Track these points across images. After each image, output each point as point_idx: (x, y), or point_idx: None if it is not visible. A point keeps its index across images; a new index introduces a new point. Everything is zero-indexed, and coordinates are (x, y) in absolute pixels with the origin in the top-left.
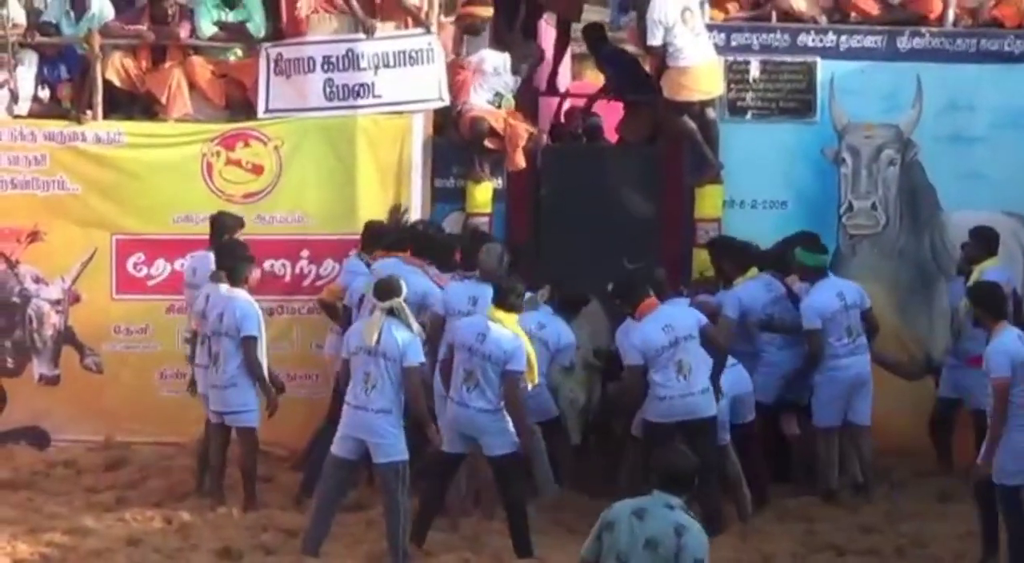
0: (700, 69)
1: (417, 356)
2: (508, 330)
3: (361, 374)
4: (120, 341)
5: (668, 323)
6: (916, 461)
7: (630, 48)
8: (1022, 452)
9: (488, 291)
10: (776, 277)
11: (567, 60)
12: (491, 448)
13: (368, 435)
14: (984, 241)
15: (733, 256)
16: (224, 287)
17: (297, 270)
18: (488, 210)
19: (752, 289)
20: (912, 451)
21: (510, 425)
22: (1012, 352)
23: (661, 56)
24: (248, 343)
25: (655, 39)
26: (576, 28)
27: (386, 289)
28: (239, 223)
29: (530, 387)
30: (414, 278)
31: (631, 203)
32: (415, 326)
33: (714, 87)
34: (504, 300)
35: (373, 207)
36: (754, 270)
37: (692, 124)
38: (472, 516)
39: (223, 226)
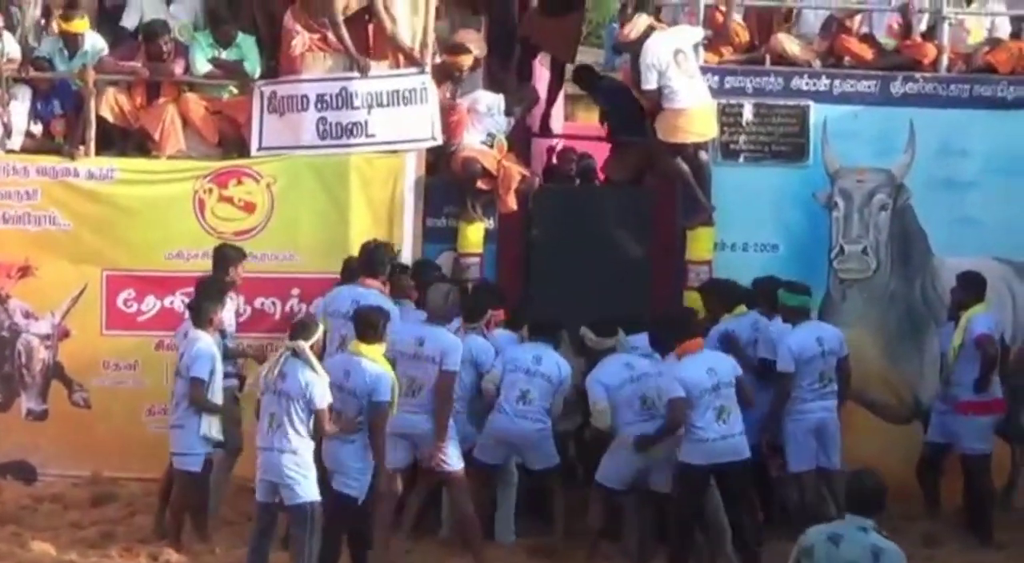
0: (695, 111)
1: (324, 398)
2: (373, 363)
3: (267, 415)
4: (109, 377)
5: (711, 366)
6: (904, 505)
7: None
8: None
9: (436, 330)
10: (764, 315)
11: (560, 101)
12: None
13: (275, 477)
14: (972, 287)
15: (720, 294)
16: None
17: (287, 308)
18: (479, 250)
19: (736, 327)
20: (900, 495)
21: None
22: None
23: (656, 99)
24: (194, 385)
25: (649, 83)
26: (569, 69)
27: (300, 329)
28: (241, 255)
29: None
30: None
31: (622, 245)
32: (318, 368)
33: (708, 130)
34: (365, 333)
35: None
36: (742, 308)
37: (685, 166)
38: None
39: (225, 258)
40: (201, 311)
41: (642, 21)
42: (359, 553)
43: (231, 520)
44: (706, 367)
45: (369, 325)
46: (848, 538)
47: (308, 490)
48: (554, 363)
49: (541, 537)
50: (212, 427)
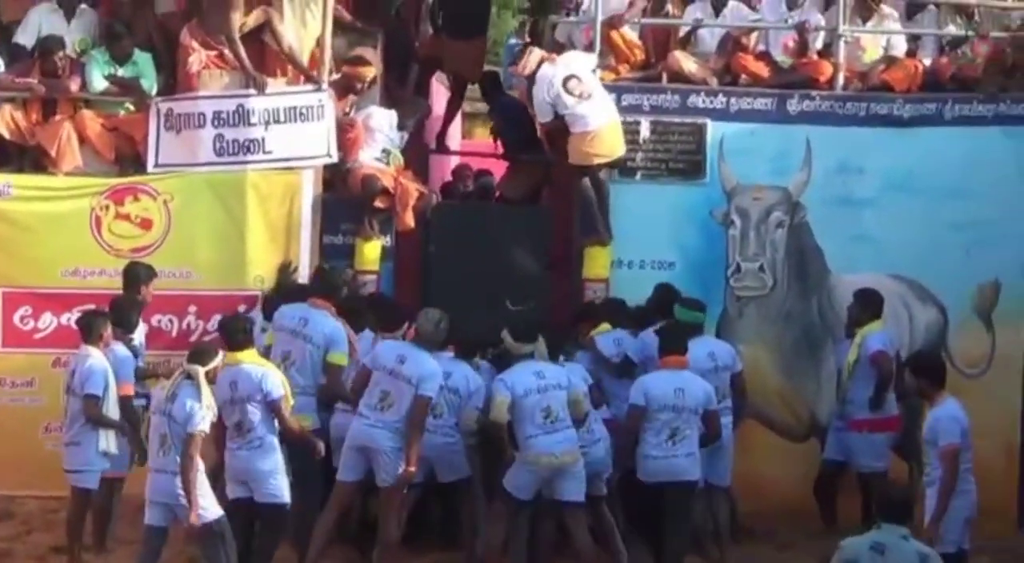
0: (601, 132)
1: (198, 425)
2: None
3: (157, 436)
4: (5, 394)
5: (681, 387)
6: (802, 522)
7: None
8: (960, 520)
9: (418, 354)
10: (632, 334)
11: (458, 119)
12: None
13: (169, 498)
14: (869, 304)
15: (590, 313)
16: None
17: (184, 325)
18: (376, 268)
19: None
20: (799, 512)
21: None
22: (961, 419)
23: (555, 128)
24: (88, 402)
25: (544, 117)
26: (471, 88)
27: (197, 354)
28: (151, 274)
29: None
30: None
31: (520, 262)
32: (205, 394)
33: (616, 149)
34: (235, 340)
35: (262, 263)
36: (605, 325)
37: (591, 191)
38: None
39: (136, 277)
40: (91, 328)
41: (534, 57)
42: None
43: (129, 540)
44: (674, 387)
45: (238, 332)
46: (892, 546)
47: (209, 508)
48: (463, 376)
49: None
50: (110, 442)
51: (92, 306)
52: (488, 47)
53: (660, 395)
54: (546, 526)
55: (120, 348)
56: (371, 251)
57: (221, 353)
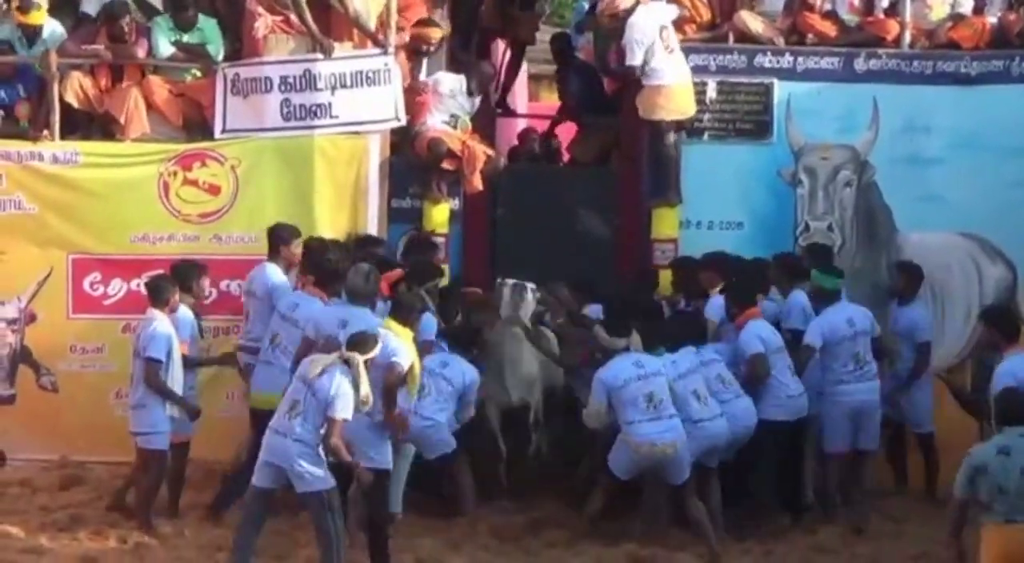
0: (675, 89)
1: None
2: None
3: (290, 400)
4: (76, 360)
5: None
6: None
7: None
8: None
9: (359, 312)
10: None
11: (523, 81)
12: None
13: (284, 462)
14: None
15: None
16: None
17: None
18: (445, 231)
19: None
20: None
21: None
22: (1020, 375)
23: (627, 77)
24: (149, 365)
25: (635, 59)
26: (537, 49)
27: (359, 342)
28: (295, 233)
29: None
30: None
31: (587, 224)
32: (363, 383)
33: (688, 107)
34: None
35: (330, 227)
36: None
37: (660, 152)
38: None
39: (277, 238)
40: (158, 292)
41: None
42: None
43: (196, 503)
44: (769, 330)
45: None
46: (1016, 447)
47: (322, 478)
48: (459, 371)
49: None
50: (175, 406)
51: (160, 271)
52: (552, 9)
53: (771, 340)
54: (657, 498)
55: (183, 311)
56: (439, 214)
57: (379, 344)
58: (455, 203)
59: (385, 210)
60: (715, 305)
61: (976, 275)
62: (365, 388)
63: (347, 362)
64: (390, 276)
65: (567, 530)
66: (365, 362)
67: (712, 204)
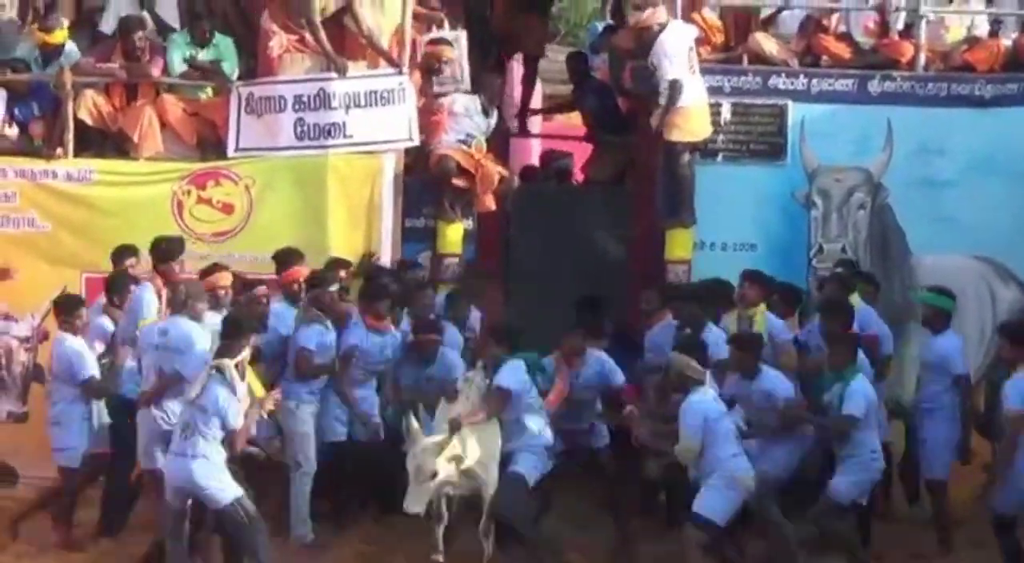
0: (692, 110)
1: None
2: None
3: (181, 422)
4: None
5: None
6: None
7: None
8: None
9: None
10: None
11: (538, 102)
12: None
13: (189, 484)
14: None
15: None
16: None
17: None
18: (459, 250)
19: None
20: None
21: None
22: None
23: (646, 95)
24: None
25: (669, 74)
26: (552, 70)
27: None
28: (180, 248)
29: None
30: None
31: (601, 244)
32: (239, 390)
33: (703, 129)
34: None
35: (343, 246)
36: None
37: (674, 172)
38: None
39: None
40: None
41: (662, 10)
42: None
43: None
44: None
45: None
46: None
47: (227, 490)
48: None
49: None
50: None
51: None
52: (567, 30)
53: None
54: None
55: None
56: (453, 234)
57: (247, 349)
58: (468, 223)
59: (399, 229)
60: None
61: (989, 298)
62: (241, 389)
63: (219, 370)
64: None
65: None
66: (236, 364)
67: (726, 225)
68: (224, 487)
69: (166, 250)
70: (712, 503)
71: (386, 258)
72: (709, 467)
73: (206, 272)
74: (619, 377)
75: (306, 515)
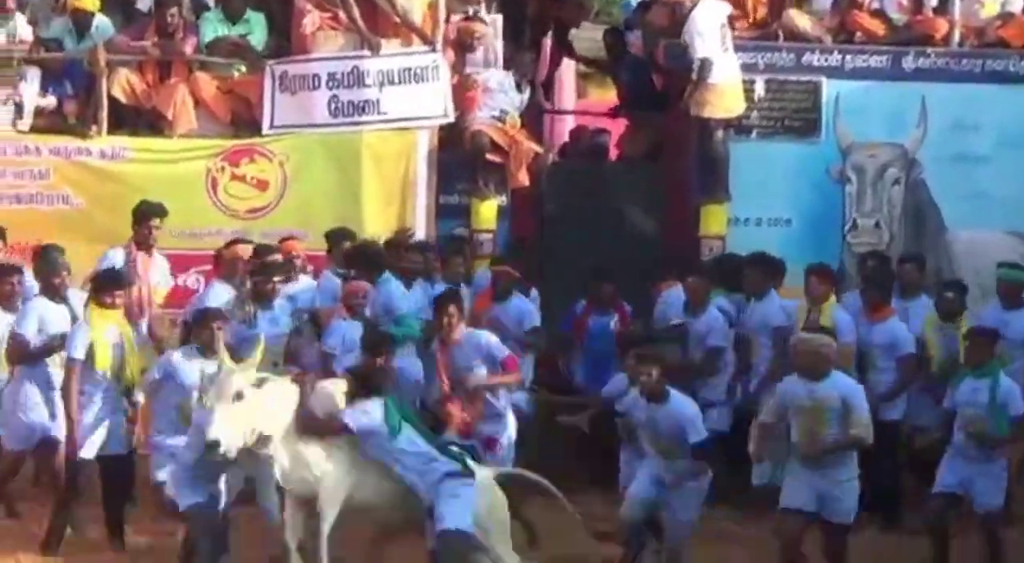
0: (725, 86)
1: None
2: None
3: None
4: None
5: None
6: None
7: None
8: None
9: None
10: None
11: (571, 77)
12: None
13: None
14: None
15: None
16: None
17: None
18: (493, 227)
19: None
20: None
21: None
22: None
23: (677, 74)
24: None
25: (700, 51)
26: (585, 47)
27: None
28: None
29: None
30: None
31: (635, 220)
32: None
33: (737, 106)
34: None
35: (378, 223)
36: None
37: (709, 148)
38: None
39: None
40: None
41: None
42: None
43: None
44: None
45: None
46: None
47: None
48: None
49: None
50: None
51: (207, 267)
52: (599, 7)
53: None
54: None
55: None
56: (487, 210)
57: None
58: (503, 199)
59: (434, 206)
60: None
61: None
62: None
63: None
64: None
65: None
66: None
67: (760, 201)
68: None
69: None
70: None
71: (421, 235)
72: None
73: (227, 246)
74: None
75: None
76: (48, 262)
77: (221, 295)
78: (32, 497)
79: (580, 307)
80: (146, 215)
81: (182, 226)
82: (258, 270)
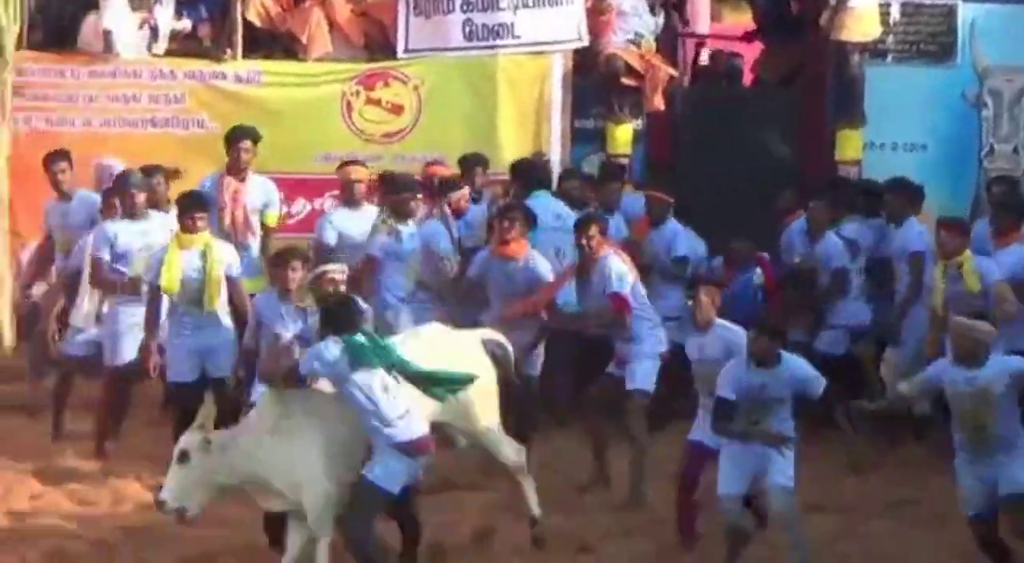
0: (862, 10)
1: None
2: None
3: None
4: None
5: None
6: None
7: None
8: None
9: None
10: None
11: (706, 2)
12: None
13: None
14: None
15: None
16: None
17: None
18: (628, 151)
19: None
20: None
21: None
22: None
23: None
24: None
25: None
26: None
27: None
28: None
29: None
30: None
31: (771, 145)
32: None
33: (873, 29)
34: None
35: (512, 147)
36: None
37: (845, 73)
38: None
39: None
40: None
41: None
42: None
43: None
44: None
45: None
46: None
47: None
48: None
49: None
50: None
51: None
52: None
53: None
54: None
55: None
56: (623, 135)
57: None
58: (638, 123)
59: (568, 130)
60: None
61: None
62: None
63: None
64: None
65: None
66: None
67: (896, 126)
68: None
69: None
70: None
71: (555, 159)
72: None
73: (339, 167)
74: None
75: None
76: (129, 182)
77: (343, 218)
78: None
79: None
80: (236, 138)
81: (316, 150)
82: (445, 186)
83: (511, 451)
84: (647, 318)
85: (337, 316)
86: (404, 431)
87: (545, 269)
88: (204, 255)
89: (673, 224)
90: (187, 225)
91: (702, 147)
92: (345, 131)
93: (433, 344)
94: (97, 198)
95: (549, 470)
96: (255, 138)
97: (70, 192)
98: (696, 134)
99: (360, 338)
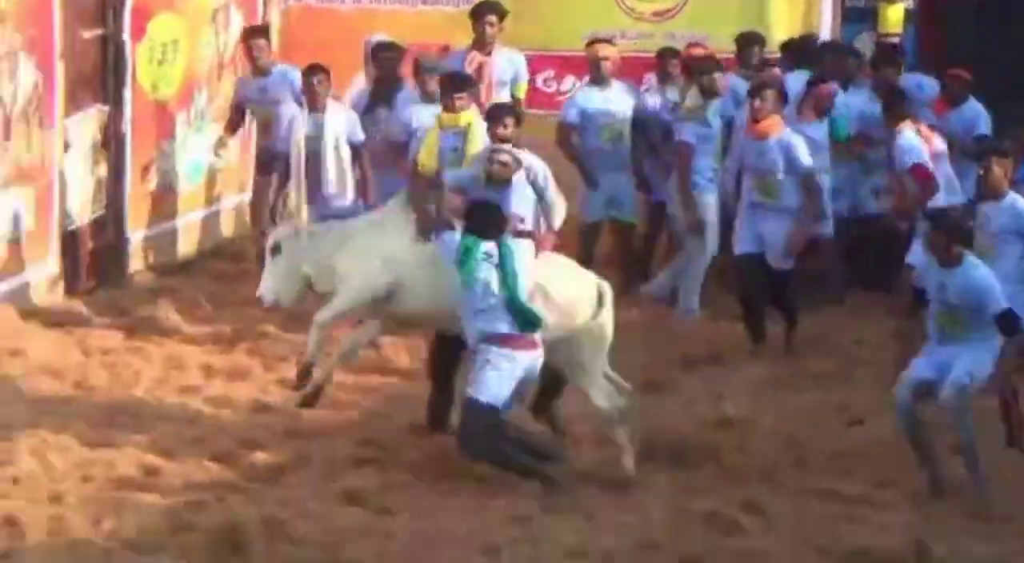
0: None
1: None
2: None
3: None
4: None
5: None
6: None
7: None
8: None
9: None
10: None
11: None
12: None
13: None
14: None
15: None
16: None
17: None
18: (899, 31)
19: None
20: None
21: None
22: None
23: None
24: None
25: None
26: None
27: None
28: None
29: None
30: None
31: None
32: None
33: None
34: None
35: (783, 26)
36: None
37: None
38: None
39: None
40: None
41: None
42: None
43: None
44: None
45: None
46: None
47: None
48: None
49: None
50: None
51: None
52: None
53: None
54: None
55: None
56: (894, 14)
57: None
58: (910, 3)
59: (839, 8)
60: None
61: None
62: None
63: None
64: None
65: None
66: None
67: None
68: None
69: None
70: None
71: (825, 37)
72: None
73: (587, 45)
74: None
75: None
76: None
77: (591, 97)
78: None
79: None
80: (482, 13)
81: (587, 28)
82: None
83: (602, 398)
84: None
85: (475, 216)
86: (501, 325)
87: (802, 149)
88: (465, 134)
89: (973, 103)
90: (448, 105)
91: (977, 26)
92: (616, 9)
93: (552, 277)
94: (296, 73)
95: None
96: (501, 13)
97: (267, 67)
98: (967, 14)
99: (481, 246)
